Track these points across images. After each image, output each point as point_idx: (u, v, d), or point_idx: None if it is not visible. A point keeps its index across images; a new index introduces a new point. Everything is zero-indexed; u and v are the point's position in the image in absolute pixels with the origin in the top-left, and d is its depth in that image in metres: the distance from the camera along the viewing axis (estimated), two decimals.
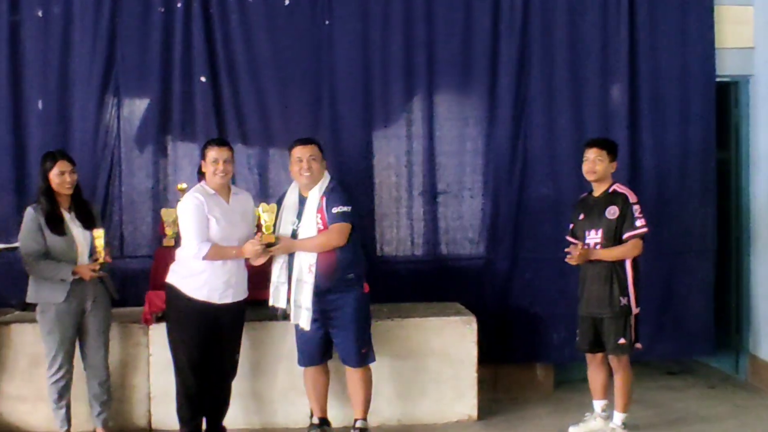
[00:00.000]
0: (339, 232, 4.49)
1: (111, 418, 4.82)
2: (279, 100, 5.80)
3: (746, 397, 5.72)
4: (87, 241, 4.55)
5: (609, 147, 4.71)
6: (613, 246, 4.58)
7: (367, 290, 4.67)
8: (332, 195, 4.55)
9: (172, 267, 4.56)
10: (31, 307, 4.67)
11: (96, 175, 5.66)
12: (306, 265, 4.49)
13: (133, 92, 5.81)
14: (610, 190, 4.68)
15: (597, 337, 4.69)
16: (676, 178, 5.94)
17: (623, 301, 4.56)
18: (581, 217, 4.76)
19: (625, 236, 4.57)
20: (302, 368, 4.77)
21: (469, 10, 5.85)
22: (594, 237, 4.66)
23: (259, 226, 4.52)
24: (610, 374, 4.77)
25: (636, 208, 4.59)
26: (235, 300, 4.53)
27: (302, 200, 4.60)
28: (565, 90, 5.86)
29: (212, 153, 4.49)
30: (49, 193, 4.54)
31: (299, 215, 4.58)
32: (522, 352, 5.85)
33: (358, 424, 4.67)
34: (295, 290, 4.52)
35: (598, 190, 4.73)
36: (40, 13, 5.69)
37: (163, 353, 4.76)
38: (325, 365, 4.78)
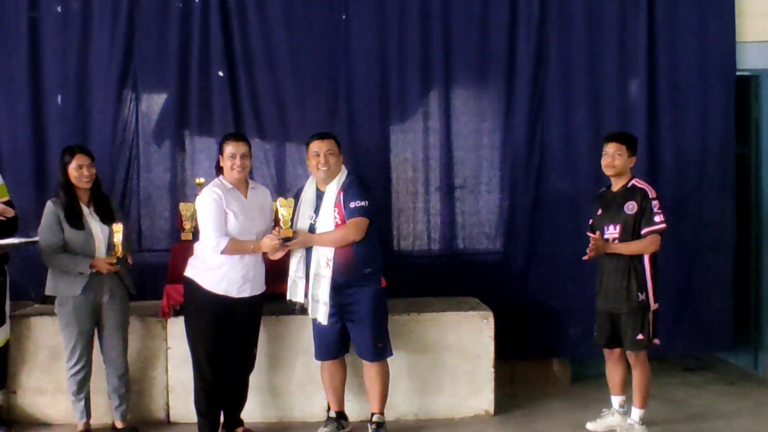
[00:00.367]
0: (356, 227, 4.50)
1: (130, 411, 4.87)
2: (296, 95, 5.81)
3: (765, 393, 5.67)
4: (105, 236, 4.59)
5: (628, 141, 4.67)
6: (632, 240, 4.56)
7: (384, 285, 4.67)
8: (350, 190, 4.55)
9: (190, 261, 4.58)
10: (50, 299, 4.72)
11: (114, 170, 5.72)
12: (324, 260, 4.50)
13: (151, 87, 5.85)
14: (629, 185, 4.65)
15: (614, 332, 4.67)
16: (695, 173, 5.90)
17: (641, 296, 4.53)
18: (599, 212, 4.73)
19: (643, 231, 4.54)
20: (319, 362, 4.78)
21: (486, 4, 5.84)
22: (612, 232, 4.63)
23: (276, 221, 4.53)
24: (628, 370, 4.74)
25: (655, 203, 4.55)
26: (253, 294, 4.55)
27: (320, 195, 4.61)
28: (583, 84, 5.84)
29: (229, 148, 4.51)
30: (68, 187, 4.59)
31: (317, 210, 4.59)
32: (539, 347, 5.84)
33: (375, 418, 4.68)
34: (312, 284, 4.53)
35: (616, 185, 4.70)
36: (59, 9, 5.74)
37: (181, 346, 4.79)
38: (342, 359, 4.79)
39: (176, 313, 4.95)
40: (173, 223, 5.66)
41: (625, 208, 4.58)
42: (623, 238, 4.57)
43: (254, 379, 4.83)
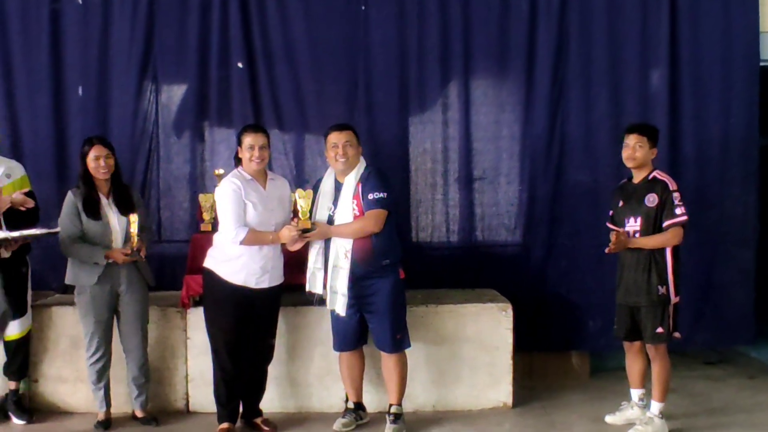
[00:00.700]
0: (375, 219, 4.49)
1: (149, 401, 4.91)
2: (315, 86, 5.81)
3: None
4: (122, 227, 4.63)
5: (650, 133, 4.62)
6: (653, 234, 4.52)
7: (403, 276, 4.66)
8: (368, 181, 4.55)
9: (210, 252, 4.60)
10: (71, 289, 4.78)
11: (134, 161, 5.76)
12: (342, 251, 4.50)
13: (170, 78, 5.87)
14: (650, 177, 4.60)
15: (634, 325, 4.64)
16: (717, 165, 5.84)
17: (661, 290, 4.49)
18: (620, 204, 4.69)
19: (664, 224, 4.49)
20: (338, 353, 4.79)
21: None
22: (633, 225, 4.59)
23: (295, 212, 4.54)
24: (647, 363, 4.71)
25: (676, 195, 4.49)
26: (272, 285, 4.56)
27: (338, 186, 4.60)
28: (604, 75, 5.79)
29: (248, 139, 4.51)
30: (87, 178, 4.64)
31: (335, 201, 4.58)
32: (558, 339, 5.82)
33: (393, 410, 4.69)
34: (331, 276, 4.53)
35: (637, 177, 4.65)
36: (80, 1, 5.77)
37: (200, 337, 4.82)
38: (361, 350, 4.79)
39: (196, 304, 4.98)
40: (193, 214, 5.69)
41: (646, 201, 4.54)
42: (644, 230, 4.53)
43: (273, 369, 4.85)
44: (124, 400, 4.89)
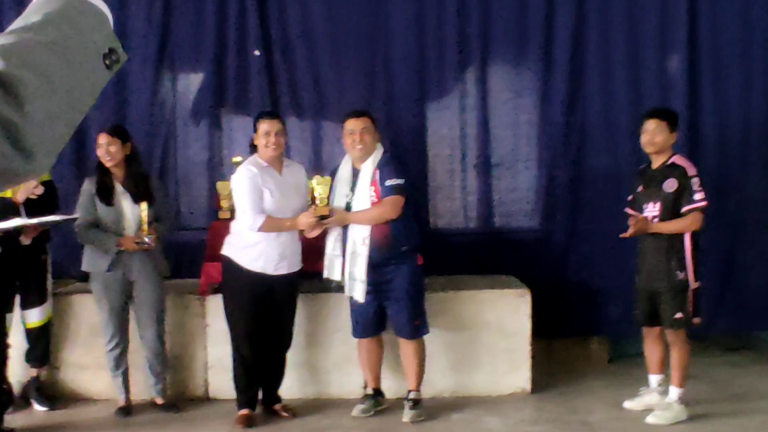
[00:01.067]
0: (392, 205, 4.49)
1: (167, 389, 4.96)
2: (333, 73, 5.80)
3: None
4: (135, 214, 4.66)
5: (669, 117, 4.57)
6: (672, 219, 4.48)
7: (421, 262, 4.66)
8: (385, 168, 4.54)
9: (227, 239, 4.61)
10: (87, 276, 4.82)
11: (152, 149, 5.77)
12: (360, 238, 4.50)
13: (187, 66, 5.89)
14: (670, 162, 4.56)
15: (654, 310, 4.61)
16: (737, 149, 5.77)
17: (681, 275, 4.46)
18: (640, 189, 4.66)
19: (684, 210, 4.46)
20: (356, 340, 4.80)
21: None
22: (652, 210, 4.56)
23: (313, 199, 4.54)
24: (667, 349, 4.69)
25: (695, 180, 4.45)
26: (290, 271, 4.57)
27: (355, 173, 4.60)
28: (622, 60, 5.73)
29: (264, 125, 4.51)
30: (101, 165, 4.70)
31: (353, 188, 4.58)
32: (577, 325, 5.79)
33: (412, 395, 4.69)
34: (349, 263, 4.53)
35: (656, 162, 4.61)
36: None
37: (219, 324, 4.84)
38: (380, 337, 4.80)
39: (214, 291, 5.00)
40: (211, 202, 5.71)
41: (665, 186, 4.50)
42: (663, 215, 4.50)
43: (292, 356, 4.87)
44: (145, 387, 4.93)
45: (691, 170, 4.48)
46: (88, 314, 5.04)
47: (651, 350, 4.77)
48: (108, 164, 4.68)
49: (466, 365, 5.12)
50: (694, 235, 4.49)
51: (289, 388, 4.96)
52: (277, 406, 4.78)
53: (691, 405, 4.65)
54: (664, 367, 4.75)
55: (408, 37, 5.77)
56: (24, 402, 5.00)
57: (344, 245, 4.58)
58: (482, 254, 5.80)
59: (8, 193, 4.64)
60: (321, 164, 5.77)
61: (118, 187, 4.71)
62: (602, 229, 5.58)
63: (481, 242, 5.84)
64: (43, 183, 4.76)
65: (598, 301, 5.76)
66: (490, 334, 5.11)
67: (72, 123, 1.02)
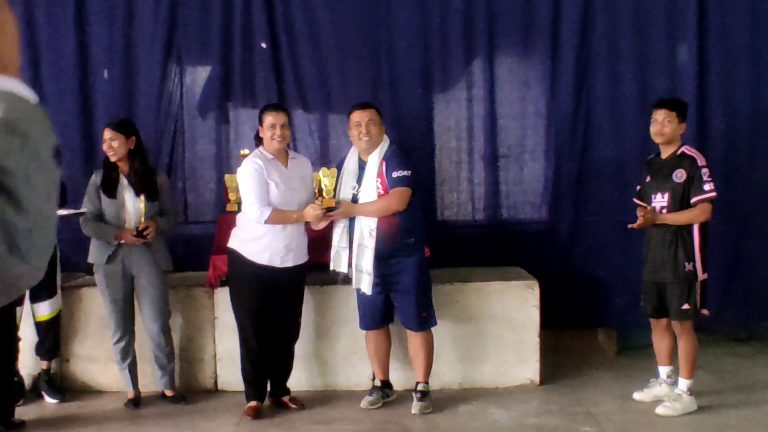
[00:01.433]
0: (399, 197, 4.49)
1: (178, 380, 5.00)
2: (338, 66, 5.80)
3: None
4: (136, 208, 4.69)
5: (678, 108, 4.55)
6: (680, 210, 4.47)
7: (428, 254, 4.67)
8: (392, 159, 4.54)
9: (234, 232, 4.62)
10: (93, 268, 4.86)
11: (160, 143, 5.79)
12: (367, 230, 4.50)
13: (195, 60, 5.90)
14: (679, 152, 4.54)
15: (661, 302, 4.60)
16: (746, 139, 5.75)
17: (688, 266, 4.45)
18: (648, 179, 4.64)
19: (693, 200, 4.43)
20: (364, 332, 4.80)
21: None
22: (660, 201, 4.54)
23: (319, 191, 4.55)
24: (675, 340, 4.68)
25: (704, 171, 4.43)
26: (296, 264, 4.58)
27: (362, 165, 4.60)
28: (630, 49, 5.70)
29: (269, 118, 4.52)
30: (108, 159, 4.74)
31: (359, 180, 4.58)
32: (584, 317, 5.79)
33: (420, 387, 4.70)
34: (356, 255, 4.54)
35: (665, 152, 4.59)
36: None
37: (228, 316, 4.86)
38: (387, 329, 4.80)
39: (222, 284, 5.01)
40: (219, 195, 5.72)
41: (674, 176, 4.48)
42: (672, 206, 4.49)
43: (300, 348, 4.88)
44: (154, 379, 4.96)
45: (701, 160, 4.46)
46: (97, 307, 5.06)
47: (659, 341, 4.76)
48: (112, 158, 4.71)
49: (474, 357, 5.12)
50: (703, 226, 4.47)
51: (297, 380, 4.98)
52: (286, 398, 4.80)
53: (699, 396, 4.65)
54: (673, 358, 4.74)
55: (413, 28, 5.76)
56: (35, 394, 5.04)
57: (351, 237, 4.58)
58: (489, 246, 5.79)
59: None
60: (327, 156, 5.77)
61: (123, 181, 4.74)
62: (610, 220, 5.58)
63: (489, 234, 5.84)
64: None
65: (606, 293, 5.75)
66: (498, 326, 5.11)
67: (52, 226, 1.06)
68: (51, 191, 1.04)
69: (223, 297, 4.95)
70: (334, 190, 4.54)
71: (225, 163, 5.84)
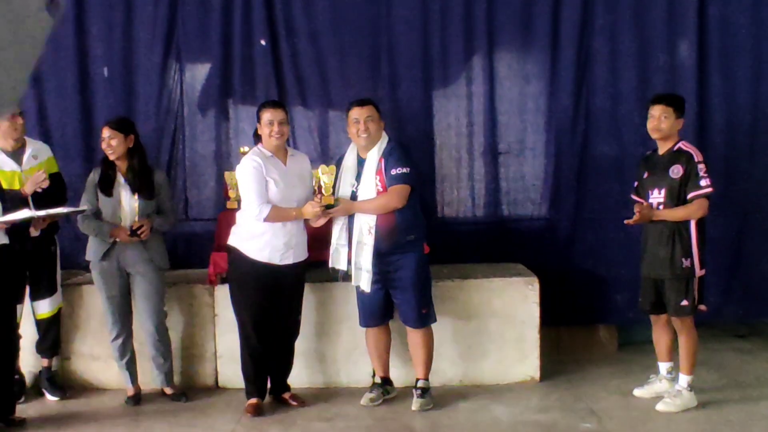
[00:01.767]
0: (398, 194, 4.49)
1: (179, 377, 5.03)
2: (338, 62, 5.80)
3: None
4: (132, 206, 4.70)
5: (675, 103, 4.54)
6: (677, 206, 4.46)
7: (428, 251, 4.67)
8: (391, 157, 4.53)
9: (233, 229, 4.63)
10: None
11: (160, 140, 5.79)
12: (366, 227, 4.50)
13: (194, 57, 5.89)
14: (675, 148, 4.53)
15: (659, 298, 4.60)
16: (746, 135, 5.74)
17: (686, 262, 4.44)
18: (645, 175, 4.64)
19: (689, 196, 4.43)
20: (364, 329, 4.80)
21: None
22: (657, 196, 4.54)
23: (318, 188, 4.55)
24: (675, 336, 4.68)
25: (701, 167, 4.42)
26: (296, 261, 4.58)
27: (361, 162, 4.60)
28: (630, 45, 5.69)
29: (266, 114, 4.52)
30: (106, 157, 4.75)
31: (358, 177, 4.58)
32: (584, 313, 5.79)
33: (420, 384, 4.71)
34: (355, 252, 4.54)
35: (662, 148, 4.58)
36: None
37: (228, 313, 4.86)
38: (387, 326, 4.80)
39: (223, 281, 5.02)
40: (219, 192, 5.72)
41: (671, 172, 4.47)
42: (668, 202, 4.48)
43: (300, 345, 4.89)
44: (153, 376, 4.96)
45: (698, 156, 4.45)
46: (97, 304, 5.05)
47: (659, 338, 4.76)
48: (110, 157, 4.72)
49: (474, 353, 5.12)
50: (700, 222, 4.47)
51: (298, 377, 4.99)
52: (286, 395, 4.81)
53: (700, 392, 4.65)
54: (673, 354, 4.74)
55: (413, 24, 5.75)
56: (35, 392, 5.05)
57: (350, 234, 4.58)
58: (489, 243, 5.79)
59: (16, 186, 4.68)
60: (327, 153, 5.77)
61: (120, 179, 4.75)
62: (610, 216, 5.57)
63: (489, 230, 5.83)
64: (52, 175, 4.81)
65: (606, 289, 5.75)
66: (498, 323, 5.11)
67: (20, 76, 1.06)
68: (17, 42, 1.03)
69: (223, 294, 4.95)
70: (333, 187, 4.54)
71: (225, 160, 5.83)
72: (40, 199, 4.66)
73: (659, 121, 4.50)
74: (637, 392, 4.81)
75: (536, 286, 5.11)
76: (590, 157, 5.76)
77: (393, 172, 4.47)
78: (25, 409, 4.73)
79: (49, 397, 5.00)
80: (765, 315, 6.08)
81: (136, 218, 4.68)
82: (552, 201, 5.82)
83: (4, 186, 4.68)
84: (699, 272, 4.47)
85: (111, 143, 4.69)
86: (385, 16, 5.76)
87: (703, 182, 4.40)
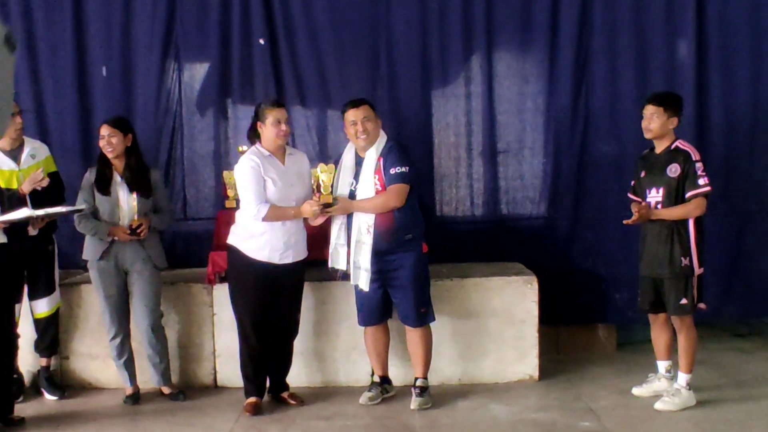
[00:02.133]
0: (397, 194, 4.48)
1: (178, 376, 5.04)
2: (337, 62, 5.80)
3: None
4: (130, 205, 4.70)
5: (667, 102, 4.50)
6: (675, 205, 4.46)
7: (426, 250, 4.66)
8: (389, 156, 4.53)
9: (232, 229, 4.62)
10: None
11: (159, 140, 5.80)
12: (365, 226, 4.50)
13: (193, 56, 5.89)
14: (673, 146, 4.51)
15: (658, 297, 4.59)
16: (745, 134, 5.73)
17: (684, 261, 4.43)
18: (643, 174, 4.63)
19: (688, 195, 4.42)
20: (363, 327, 4.80)
21: None
22: (655, 195, 4.53)
23: (317, 187, 4.54)
24: (674, 335, 4.68)
25: (699, 165, 4.41)
26: (295, 260, 4.58)
27: (359, 161, 4.59)
28: (629, 45, 5.69)
29: (275, 113, 4.49)
30: (104, 156, 4.76)
31: (356, 176, 4.58)
32: (584, 312, 5.79)
33: (419, 383, 4.70)
34: (354, 251, 4.53)
35: (659, 147, 4.57)
36: None
37: (227, 312, 4.86)
38: (386, 325, 4.80)
39: (222, 280, 5.02)
40: (218, 192, 5.73)
41: (668, 171, 4.47)
42: (666, 201, 4.47)
43: (299, 344, 4.89)
44: (151, 375, 4.96)
45: (695, 155, 4.44)
46: (96, 304, 5.05)
47: (658, 336, 4.76)
48: (109, 155, 4.72)
49: (473, 352, 5.12)
50: (698, 221, 4.46)
51: (297, 376, 4.99)
52: (285, 394, 4.80)
53: (699, 391, 4.64)
54: (672, 353, 4.74)
55: (411, 24, 5.75)
56: (34, 391, 5.05)
57: (349, 234, 4.58)
58: (488, 242, 5.79)
59: (14, 185, 4.69)
60: (325, 152, 5.78)
61: (117, 178, 4.75)
62: (608, 215, 5.57)
63: (488, 230, 5.83)
64: (50, 175, 4.82)
65: (605, 288, 5.76)
66: (497, 322, 5.11)
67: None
68: None
69: (222, 293, 4.95)
70: (332, 186, 4.53)
71: (224, 159, 5.84)
72: (39, 199, 4.66)
73: (649, 120, 4.49)
74: (636, 391, 4.80)
75: (535, 285, 5.11)
76: (589, 156, 5.76)
77: (392, 171, 4.47)
78: (23, 409, 4.71)
79: (47, 396, 5.00)
80: (764, 314, 6.08)
81: (135, 217, 4.67)
82: (551, 200, 5.82)
83: (2, 185, 4.69)
84: (698, 270, 4.46)
85: (111, 141, 4.69)
86: (384, 15, 5.76)
87: (701, 181, 4.39)
